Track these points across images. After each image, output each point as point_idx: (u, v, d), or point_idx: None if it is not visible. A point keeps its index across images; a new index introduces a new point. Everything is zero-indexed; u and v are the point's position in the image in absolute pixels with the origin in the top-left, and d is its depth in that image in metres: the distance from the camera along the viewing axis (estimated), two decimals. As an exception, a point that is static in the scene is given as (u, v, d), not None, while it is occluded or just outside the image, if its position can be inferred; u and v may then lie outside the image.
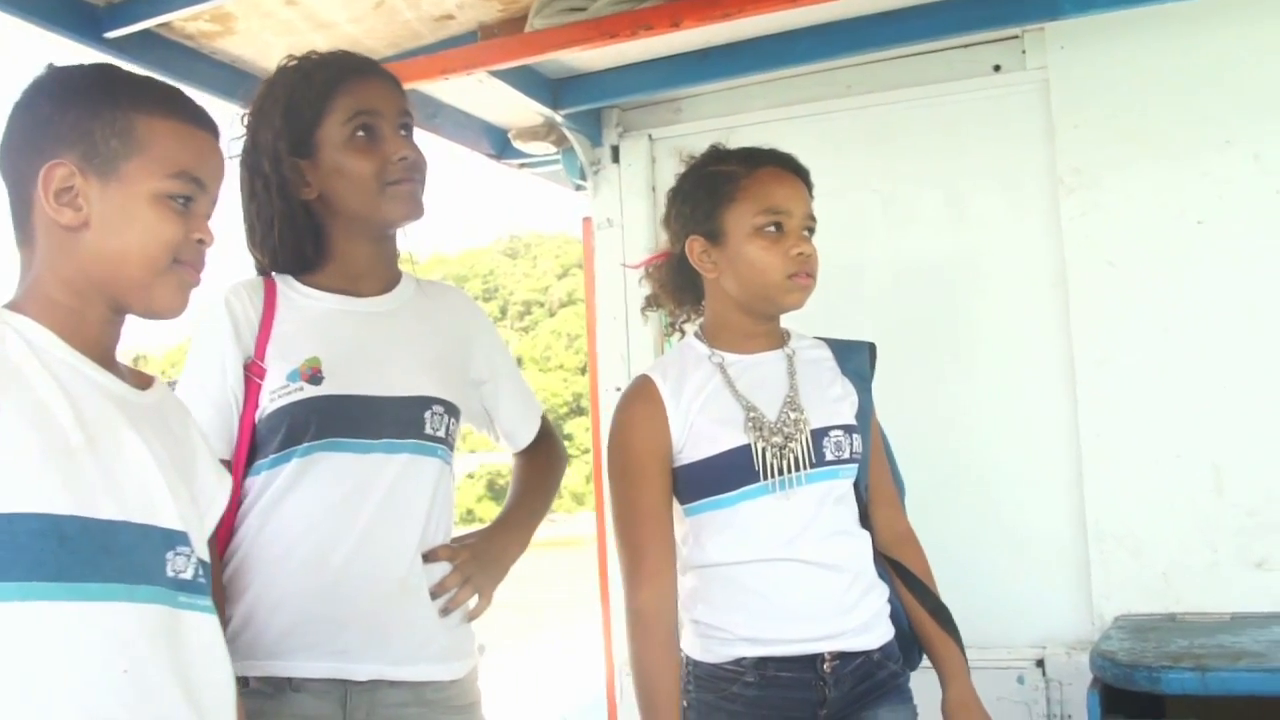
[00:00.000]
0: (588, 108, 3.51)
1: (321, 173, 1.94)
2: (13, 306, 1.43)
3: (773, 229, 2.08)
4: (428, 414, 1.95)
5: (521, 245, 54.22)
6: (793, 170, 2.16)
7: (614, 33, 2.80)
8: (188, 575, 1.41)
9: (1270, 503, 2.82)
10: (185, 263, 1.44)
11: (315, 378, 1.87)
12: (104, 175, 1.40)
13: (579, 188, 3.78)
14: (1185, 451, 2.90)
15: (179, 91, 1.52)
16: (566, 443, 2.34)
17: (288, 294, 1.96)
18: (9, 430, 1.29)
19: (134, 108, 1.42)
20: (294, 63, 2.01)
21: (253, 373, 1.89)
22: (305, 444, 1.84)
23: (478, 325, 2.18)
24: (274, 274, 1.99)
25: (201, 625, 1.43)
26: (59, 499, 1.30)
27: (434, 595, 1.94)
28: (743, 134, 3.41)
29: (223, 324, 1.89)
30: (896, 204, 3.29)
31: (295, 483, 1.85)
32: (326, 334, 1.93)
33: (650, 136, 3.57)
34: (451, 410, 2.00)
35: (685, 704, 2.04)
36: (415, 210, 2.00)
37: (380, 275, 2.03)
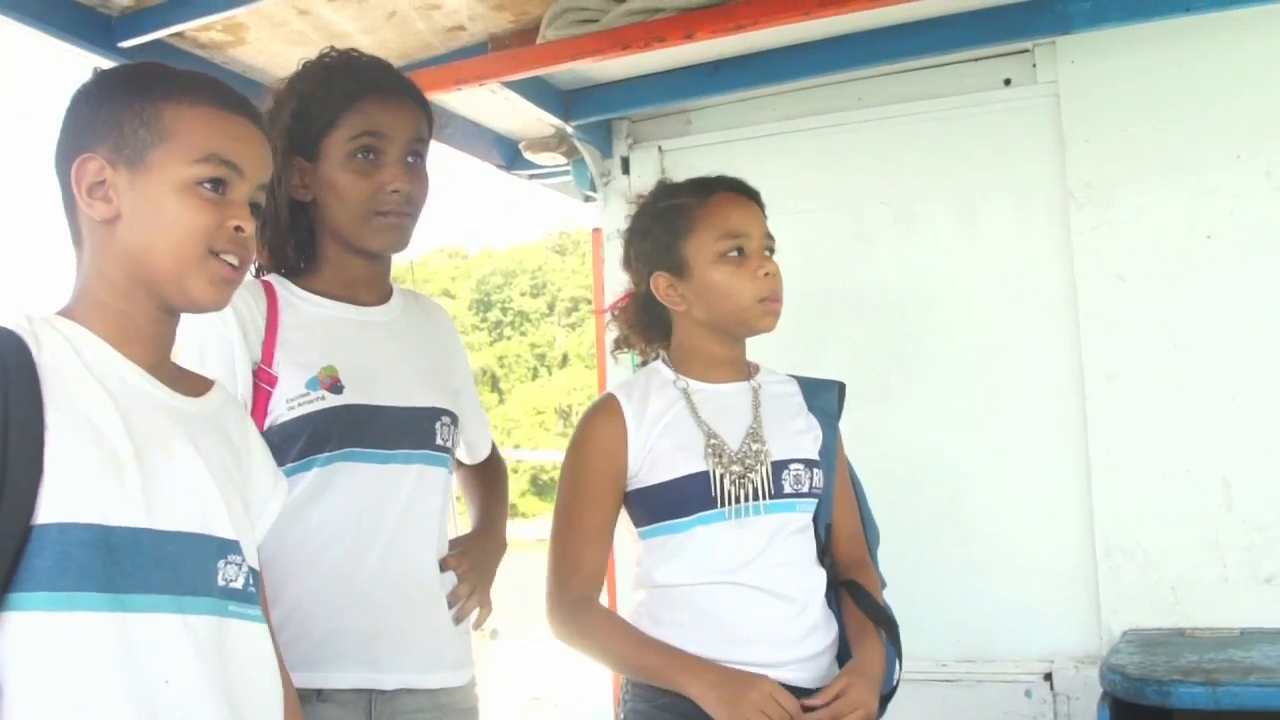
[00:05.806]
0: (598, 119, 3.51)
1: (318, 180, 1.94)
2: (65, 312, 1.42)
3: (735, 253, 2.09)
4: (438, 424, 1.96)
5: (570, 242, 53.33)
6: (744, 193, 2.18)
7: (627, 44, 2.80)
8: (238, 584, 1.41)
9: (1280, 518, 2.81)
10: (223, 252, 1.41)
11: (336, 387, 1.86)
12: (133, 165, 1.38)
13: (588, 199, 3.78)
14: (1195, 466, 2.89)
15: (213, 79, 1.49)
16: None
17: (288, 298, 1.94)
18: (60, 441, 1.29)
19: (163, 97, 1.41)
20: (327, 59, 1.99)
21: (261, 379, 1.86)
22: (326, 453, 1.84)
23: (454, 338, 2.21)
24: (267, 276, 1.97)
25: (251, 634, 1.43)
26: (109, 509, 1.30)
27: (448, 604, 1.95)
28: (752, 146, 3.43)
29: (231, 328, 1.85)
30: (906, 217, 3.29)
31: (318, 493, 1.84)
32: (336, 342, 1.92)
33: (660, 148, 3.57)
34: (454, 420, 2.02)
35: (621, 715, 2.07)
36: (397, 244, 1.99)
37: (377, 286, 2.04)
